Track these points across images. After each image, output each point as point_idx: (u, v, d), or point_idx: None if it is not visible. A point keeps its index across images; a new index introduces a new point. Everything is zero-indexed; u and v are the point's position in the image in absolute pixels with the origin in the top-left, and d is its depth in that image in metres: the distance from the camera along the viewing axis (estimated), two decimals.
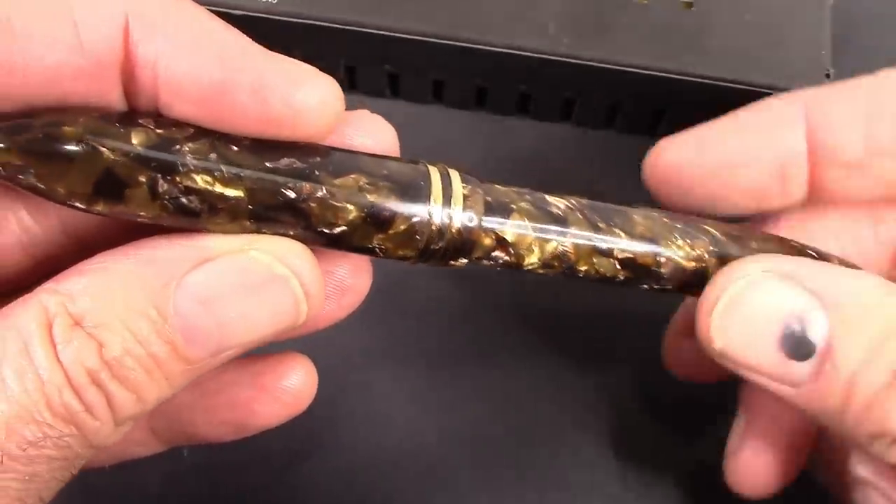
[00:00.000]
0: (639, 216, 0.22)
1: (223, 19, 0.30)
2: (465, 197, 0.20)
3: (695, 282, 0.22)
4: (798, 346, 0.20)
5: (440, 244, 0.20)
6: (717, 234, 0.22)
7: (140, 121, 0.18)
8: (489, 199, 0.20)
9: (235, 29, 0.19)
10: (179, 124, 0.18)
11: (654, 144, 0.33)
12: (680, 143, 0.24)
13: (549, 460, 0.30)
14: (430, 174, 0.20)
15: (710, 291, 0.21)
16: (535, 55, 0.31)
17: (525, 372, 0.31)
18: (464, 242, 0.20)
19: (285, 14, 0.30)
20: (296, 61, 0.19)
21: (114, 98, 0.18)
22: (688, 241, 0.21)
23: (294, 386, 0.23)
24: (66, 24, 0.17)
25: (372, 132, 0.21)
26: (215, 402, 0.23)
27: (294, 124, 0.18)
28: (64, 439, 0.17)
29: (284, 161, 0.18)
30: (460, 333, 0.31)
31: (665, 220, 0.22)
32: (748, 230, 0.23)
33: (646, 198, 0.33)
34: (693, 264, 0.21)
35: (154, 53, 0.18)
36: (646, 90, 0.31)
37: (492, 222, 0.20)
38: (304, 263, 0.19)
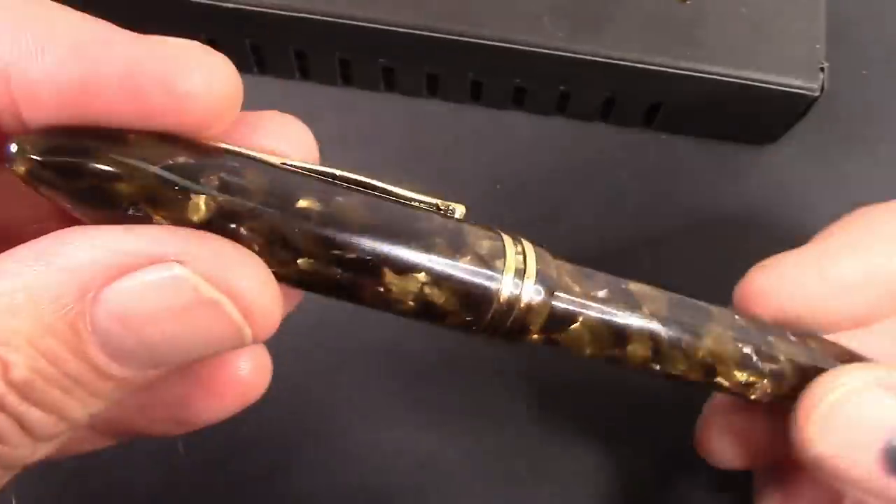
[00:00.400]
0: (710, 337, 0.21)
1: (215, 13, 0.30)
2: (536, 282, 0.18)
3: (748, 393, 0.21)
4: None
5: (495, 324, 0.18)
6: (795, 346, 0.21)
7: (206, 178, 0.16)
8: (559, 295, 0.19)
9: (98, 19, 0.16)
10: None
11: (648, 138, 0.33)
12: (784, 267, 0.22)
13: (546, 473, 0.30)
14: (507, 260, 0.18)
15: (811, 395, 0.20)
16: (530, 48, 0.30)
17: (522, 384, 0.31)
18: (522, 326, 0.18)
19: (278, 7, 0.30)
20: (180, 41, 0.15)
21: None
22: (756, 366, 0.21)
23: (240, 377, 0.20)
24: None
25: (285, 136, 0.18)
26: (150, 401, 0.20)
27: (178, 114, 0.15)
28: None
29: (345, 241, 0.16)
30: (453, 340, 0.31)
31: (739, 334, 0.21)
32: (823, 341, 0.22)
33: (639, 191, 0.33)
34: (753, 379, 0.21)
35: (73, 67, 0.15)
36: (640, 84, 0.31)
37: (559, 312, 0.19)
38: (245, 281, 0.16)
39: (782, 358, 0.21)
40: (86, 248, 0.15)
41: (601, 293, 0.19)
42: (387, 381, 0.31)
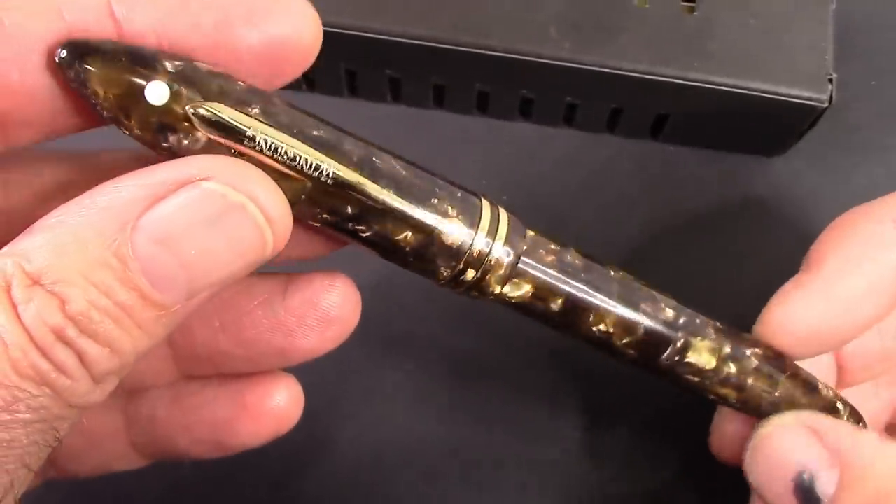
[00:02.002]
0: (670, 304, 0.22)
1: None
2: (508, 236, 0.20)
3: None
4: (808, 499, 0.21)
5: (471, 271, 0.20)
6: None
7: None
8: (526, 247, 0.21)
9: None
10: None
11: (656, 149, 0.33)
12: (793, 301, 0.23)
13: (549, 465, 0.30)
14: (482, 206, 0.20)
15: (756, 430, 0.23)
16: (537, 60, 0.30)
17: (528, 377, 0.31)
18: (485, 281, 0.20)
19: None
20: None
21: None
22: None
23: (278, 406, 0.22)
24: (54, 15, 0.17)
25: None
26: (195, 420, 0.22)
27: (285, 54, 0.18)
28: (38, 400, 0.16)
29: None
30: (461, 335, 0.31)
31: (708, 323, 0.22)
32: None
33: (647, 203, 0.33)
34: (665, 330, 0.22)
35: (144, 24, 0.18)
36: (648, 95, 0.31)
37: (527, 265, 0.20)
38: (261, 187, 0.17)
39: (710, 331, 0.22)
40: (121, 188, 0.17)
41: (564, 260, 0.21)
42: (393, 393, 0.31)
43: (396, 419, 0.30)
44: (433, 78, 0.33)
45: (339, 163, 0.18)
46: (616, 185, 0.34)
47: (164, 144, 0.17)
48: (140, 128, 0.17)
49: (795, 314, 0.23)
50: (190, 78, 0.17)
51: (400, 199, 0.19)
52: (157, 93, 0.17)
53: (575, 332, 0.21)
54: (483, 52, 0.30)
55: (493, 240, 0.20)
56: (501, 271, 0.20)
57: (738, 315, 0.23)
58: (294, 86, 0.34)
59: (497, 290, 0.20)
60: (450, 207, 0.19)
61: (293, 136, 0.18)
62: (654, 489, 0.30)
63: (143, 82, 0.17)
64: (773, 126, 0.32)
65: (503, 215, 0.20)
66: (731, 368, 0.22)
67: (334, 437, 0.30)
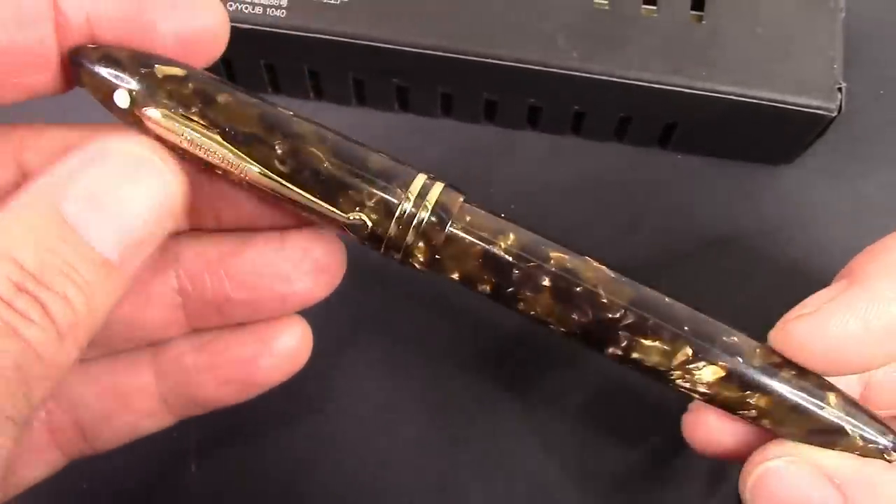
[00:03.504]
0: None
1: (230, 33, 0.30)
2: (439, 201, 0.21)
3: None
4: None
5: (392, 236, 0.21)
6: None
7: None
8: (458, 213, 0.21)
9: None
10: None
11: (663, 158, 0.33)
12: (825, 317, 0.22)
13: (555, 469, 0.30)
14: (414, 182, 0.21)
15: (755, 456, 0.22)
16: (545, 69, 0.30)
17: (534, 378, 0.31)
18: (414, 243, 0.21)
19: (293, 28, 0.30)
20: None
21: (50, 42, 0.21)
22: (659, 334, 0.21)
23: (293, 341, 0.25)
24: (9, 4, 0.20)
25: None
26: (222, 360, 0.25)
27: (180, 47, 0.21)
28: (9, 349, 0.18)
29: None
30: (466, 337, 0.31)
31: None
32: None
33: (654, 211, 0.33)
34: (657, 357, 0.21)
35: (77, 7, 0.21)
36: (655, 104, 0.31)
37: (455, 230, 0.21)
38: (154, 145, 0.21)
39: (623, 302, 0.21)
40: (47, 173, 0.20)
41: (503, 229, 0.21)
42: (400, 403, 0.31)
43: (400, 423, 0.30)
44: (441, 87, 0.33)
45: (259, 164, 0.21)
46: (624, 194, 0.34)
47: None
48: (123, 120, 0.21)
49: (826, 329, 0.21)
50: (147, 84, 0.21)
51: (315, 201, 0.21)
52: (122, 99, 0.21)
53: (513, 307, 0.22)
54: (491, 61, 0.30)
55: (419, 207, 0.21)
56: (427, 238, 0.21)
57: (746, 323, 0.23)
58: (301, 94, 0.34)
59: (422, 257, 0.21)
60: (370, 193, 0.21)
61: (221, 135, 0.21)
62: (629, 476, 0.30)
63: (112, 90, 0.21)
64: (782, 135, 0.32)
65: (437, 186, 0.21)
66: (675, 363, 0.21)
67: (338, 439, 0.30)
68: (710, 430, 0.24)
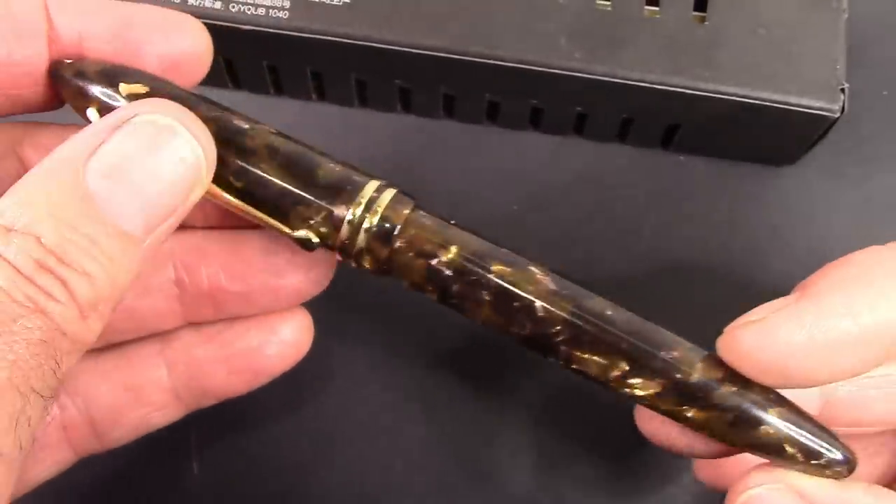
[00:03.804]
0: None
1: (233, 34, 0.31)
2: (386, 211, 0.22)
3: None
4: None
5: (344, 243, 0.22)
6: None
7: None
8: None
9: None
10: None
11: (666, 159, 0.33)
12: (770, 327, 0.21)
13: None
14: (366, 185, 0.22)
15: (741, 482, 0.21)
16: (547, 70, 0.30)
17: (538, 379, 0.31)
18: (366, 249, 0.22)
19: (295, 29, 0.30)
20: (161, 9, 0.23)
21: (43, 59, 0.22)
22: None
23: (296, 330, 0.26)
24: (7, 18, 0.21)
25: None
26: (231, 350, 0.25)
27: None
28: (34, 322, 0.18)
29: None
30: (468, 338, 0.31)
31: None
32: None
33: (657, 212, 0.33)
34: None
35: (70, 25, 0.22)
36: (658, 105, 0.31)
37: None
38: (183, 114, 0.20)
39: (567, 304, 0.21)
40: (70, 142, 0.19)
41: (452, 235, 0.22)
42: (401, 405, 0.31)
43: (401, 424, 0.30)
44: (443, 88, 0.33)
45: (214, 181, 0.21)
46: (626, 195, 0.34)
47: None
48: None
49: (772, 339, 0.21)
50: (111, 102, 0.21)
51: (261, 217, 0.22)
52: (92, 115, 0.21)
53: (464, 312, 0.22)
54: (493, 62, 0.30)
55: (363, 223, 0.21)
56: (372, 252, 0.22)
57: None
58: (304, 96, 0.34)
59: (370, 266, 0.22)
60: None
61: None
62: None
63: (84, 106, 0.21)
64: (784, 136, 0.32)
65: (387, 194, 0.22)
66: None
67: (341, 446, 0.30)
68: (660, 424, 0.24)
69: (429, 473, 0.30)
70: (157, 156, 0.20)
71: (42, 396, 0.18)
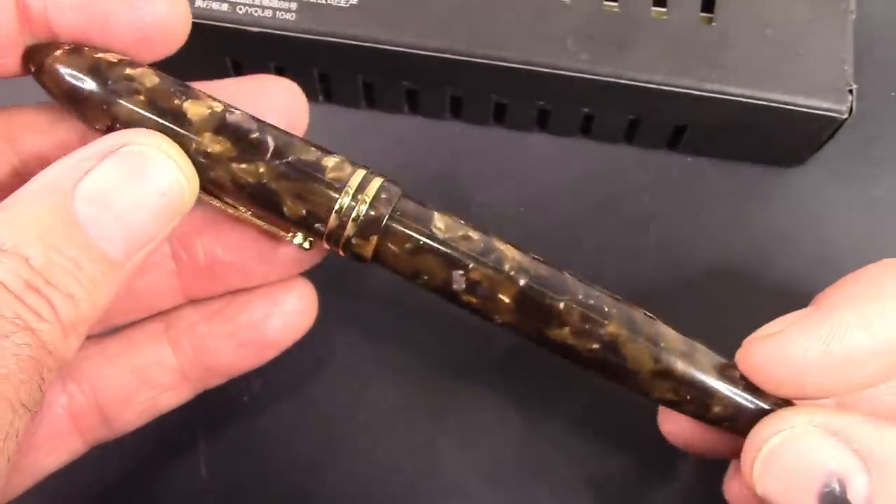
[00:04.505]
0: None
1: (240, 37, 0.31)
2: (375, 198, 0.22)
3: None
4: None
5: (337, 232, 0.22)
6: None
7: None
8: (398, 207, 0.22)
9: None
10: None
11: (673, 160, 0.33)
12: (786, 341, 0.22)
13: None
14: (354, 174, 0.22)
15: (756, 435, 0.21)
16: (554, 71, 0.30)
17: (543, 382, 0.31)
18: (360, 236, 0.22)
19: (303, 31, 0.30)
20: None
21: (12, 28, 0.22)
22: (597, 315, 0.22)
23: (300, 300, 0.26)
24: None
25: (280, 97, 0.25)
26: (235, 325, 0.25)
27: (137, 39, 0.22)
28: (22, 340, 0.18)
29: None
30: (475, 340, 0.31)
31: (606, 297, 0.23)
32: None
33: (664, 214, 0.33)
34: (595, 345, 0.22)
35: None
36: (665, 106, 0.31)
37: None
38: (169, 145, 0.21)
39: (614, 312, 0.22)
40: (59, 166, 0.20)
41: (439, 226, 0.22)
42: (408, 407, 0.31)
43: (408, 426, 0.30)
44: (450, 89, 0.33)
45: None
46: (633, 196, 0.34)
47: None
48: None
49: (787, 352, 0.21)
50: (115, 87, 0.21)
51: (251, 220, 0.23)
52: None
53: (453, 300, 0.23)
54: (500, 63, 0.30)
55: (360, 197, 0.22)
56: (377, 230, 0.22)
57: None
58: (311, 97, 0.34)
59: (375, 251, 0.22)
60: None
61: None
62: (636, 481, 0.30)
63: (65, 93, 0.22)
64: (792, 137, 0.32)
65: (376, 180, 0.22)
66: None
67: (349, 447, 0.30)
68: (681, 425, 0.24)
69: (436, 475, 0.30)
70: (143, 186, 0.20)
71: (29, 410, 0.19)
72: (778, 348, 0.21)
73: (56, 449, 0.25)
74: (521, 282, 0.22)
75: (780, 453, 0.21)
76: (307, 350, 0.27)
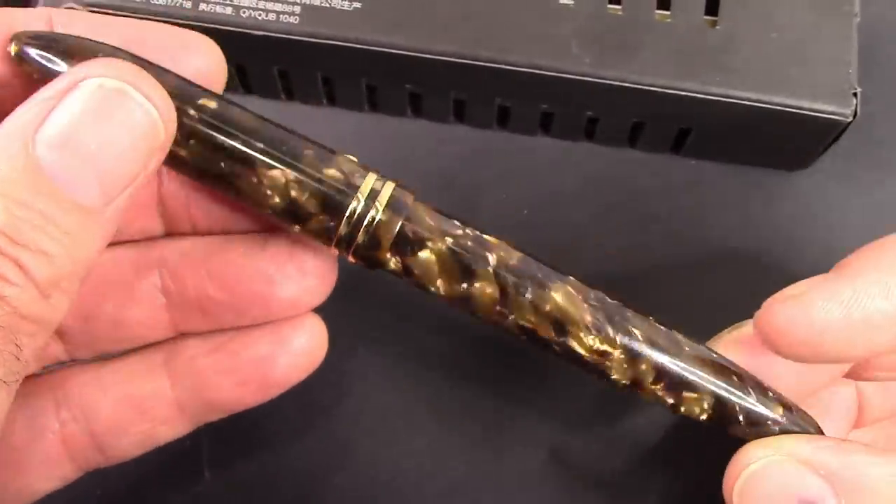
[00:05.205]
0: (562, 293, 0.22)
1: (243, 40, 0.31)
2: (388, 208, 0.22)
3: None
4: None
5: (350, 237, 0.22)
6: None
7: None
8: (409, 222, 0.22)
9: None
10: None
11: (677, 163, 0.33)
12: (808, 302, 0.22)
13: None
14: (365, 181, 0.22)
15: (735, 463, 0.22)
16: (558, 74, 0.30)
17: (548, 385, 0.31)
18: (374, 243, 0.22)
19: (306, 35, 0.30)
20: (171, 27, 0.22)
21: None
22: (608, 333, 0.22)
23: (309, 338, 0.24)
24: (6, 27, 0.21)
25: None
26: (238, 361, 0.24)
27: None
28: None
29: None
30: (480, 344, 0.31)
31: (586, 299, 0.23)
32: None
33: (668, 217, 0.33)
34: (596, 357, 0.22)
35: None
36: (669, 109, 0.31)
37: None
38: (134, 74, 0.19)
39: (637, 333, 0.22)
40: (16, 113, 0.18)
41: (453, 229, 0.22)
42: (413, 411, 0.31)
43: (412, 431, 0.30)
44: (454, 93, 0.33)
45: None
46: (637, 199, 0.34)
47: None
48: None
49: (809, 314, 0.22)
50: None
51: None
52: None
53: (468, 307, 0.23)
54: (504, 66, 0.30)
55: (373, 203, 0.21)
56: (391, 236, 0.22)
57: None
58: (314, 101, 0.34)
59: (389, 257, 0.22)
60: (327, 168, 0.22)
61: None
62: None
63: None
64: (796, 141, 0.32)
65: (388, 184, 0.22)
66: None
67: (353, 451, 0.30)
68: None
69: (441, 480, 0.30)
70: (109, 121, 0.19)
71: (5, 382, 0.17)
72: (800, 310, 0.22)
73: (47, 474, 0.24)
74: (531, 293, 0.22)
75: (755, 484, 0.21)
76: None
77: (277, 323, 0.24)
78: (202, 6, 0.30)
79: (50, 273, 0.18)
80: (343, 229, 0.21)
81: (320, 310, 0.25)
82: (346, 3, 0.31)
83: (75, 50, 0.20)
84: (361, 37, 0.30)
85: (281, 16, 0.30)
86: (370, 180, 0.22)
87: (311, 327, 0.25)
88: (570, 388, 0.31)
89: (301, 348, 0.24)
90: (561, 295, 0.22)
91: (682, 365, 0.22)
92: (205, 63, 0.22)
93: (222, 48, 0.31)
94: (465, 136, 0.34)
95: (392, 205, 0.22)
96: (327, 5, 0.31)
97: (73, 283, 0.19)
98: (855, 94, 0.30)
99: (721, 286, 0.32)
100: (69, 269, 0.18)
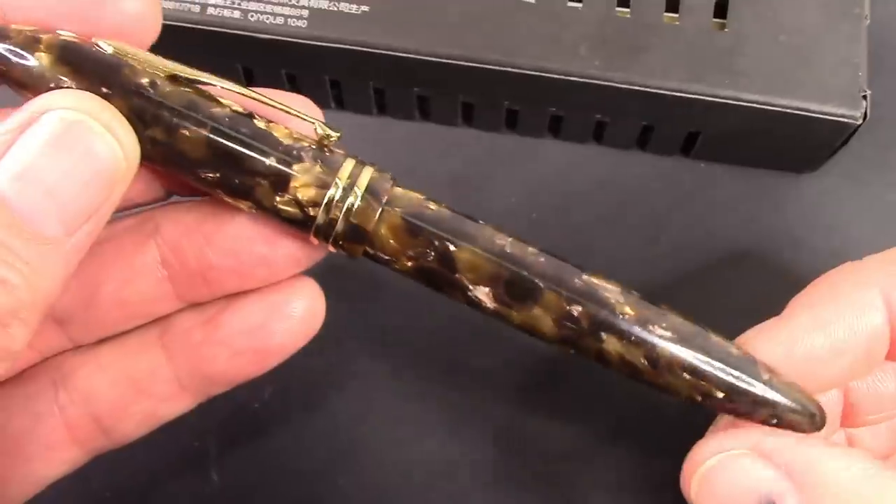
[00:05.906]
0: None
1: (251, 44, 0.31)
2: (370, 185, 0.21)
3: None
4: None
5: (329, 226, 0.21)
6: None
7: None
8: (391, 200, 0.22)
9: None
10: None
11: (686, 166, 0.33)
12: (755, 346, 0.23)
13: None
14: (344, 162, 0.21)
15: (692, 459, 0.22)
16: (566, 77, 0.30)
17: (553, 389, 0.31)
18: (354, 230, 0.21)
19: (314, 38, 0.30)
20: None
21: None
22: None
23: (305, 303, 0.23)
24: None
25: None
26: (232, 331, 0.23)
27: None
28: None
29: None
30: (484, 348, 0.31)
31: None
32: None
33: (677, 220, 0.33)
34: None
35: None
36: (678, 112, 0.31)
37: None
38: (95, 105, 0.19)
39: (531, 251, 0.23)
40: None
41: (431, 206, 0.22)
42: (422, 412, 0.31)
43: (418, 434, 0.30)
44: (462, 96, 0.33)
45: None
46: (646, 202, 0.33)
47: None
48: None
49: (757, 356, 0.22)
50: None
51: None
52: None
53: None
54: (512, 69, 0.30)
55: (352, 188, 0.21)
56: (369, 219, 0.21)
57: None
58: (322, 104, 0.34)
59: (373, 245, 0.21)
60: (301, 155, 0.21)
61: None
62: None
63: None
64: (806, 143, 0.32)
65: (367, 169, 0.21)
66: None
67: (360, 453, 0.30)
68: None
69: (448, 483, 0.30)
70: (70, 153, 0.19)
71: None
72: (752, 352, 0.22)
73: (52, 459, 0.24)
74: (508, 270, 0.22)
75: (715, 476, 0.21)
76: (318, 356, 0.27)
77: (268, 290, 0.24)
78: (210, 10, 0.30)
79: (10, 303, 0.18)
80: (323, 217, 0.21)
81: (328, 304, 0.25)
82: (354, 6, 0.31)
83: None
84: (369, 40, 0.30)
85: (289, 19, 0.30)
86: (347, 169, 0.21)
87: (307, 291, 0.24)
88: (577, 388, 0.31)
89: (297, 313, 0.23)
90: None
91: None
92: (135, 6, 0.21)
93: (230, 52, 0.32)
94: (474, 140, 0.34)
95: (369, 191, 0.21)
96: (335, 9, 0.31)
97: (33, 314, 0.18)
98: (864, 97, 0.30)
99: (730, 288, 0.32)
100: (29, 300, 0.18)
